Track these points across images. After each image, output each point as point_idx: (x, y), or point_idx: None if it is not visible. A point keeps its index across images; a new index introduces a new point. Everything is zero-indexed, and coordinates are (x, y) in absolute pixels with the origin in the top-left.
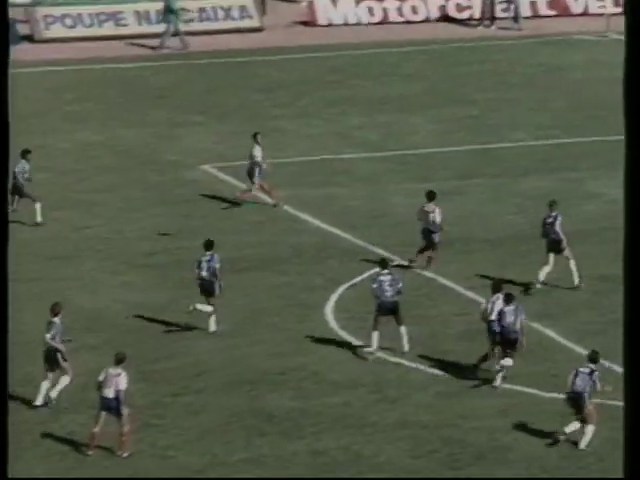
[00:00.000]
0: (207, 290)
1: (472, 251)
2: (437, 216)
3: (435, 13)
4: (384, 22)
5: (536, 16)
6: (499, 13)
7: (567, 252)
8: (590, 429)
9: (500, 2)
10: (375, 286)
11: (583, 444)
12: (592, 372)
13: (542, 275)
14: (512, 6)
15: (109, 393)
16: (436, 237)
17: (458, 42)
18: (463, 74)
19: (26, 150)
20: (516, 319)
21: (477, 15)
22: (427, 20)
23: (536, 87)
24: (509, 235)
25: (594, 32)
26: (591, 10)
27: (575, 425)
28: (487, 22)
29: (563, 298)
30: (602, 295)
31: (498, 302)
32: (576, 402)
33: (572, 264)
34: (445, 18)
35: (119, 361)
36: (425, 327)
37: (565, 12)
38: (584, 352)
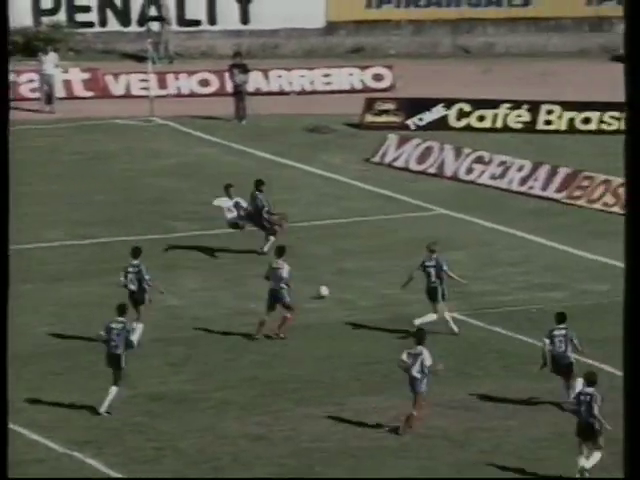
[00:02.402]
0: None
1: None
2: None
3: None
4: None
5: (72, 97)
6: (28, 93)
7: None
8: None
9: (30, 80)
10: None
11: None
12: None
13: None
14: (44, 86)
15: None
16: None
17: None
18: None
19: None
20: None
21: None
22: None
23: (76, 178)
24: (42, 351)
25: (138, 116)
26: (134, 92)
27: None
28: None
29: (105, 421)
30: (155, 416)
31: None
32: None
33: None
34: None
35: None
36: None
37: (104, 93)
38: None
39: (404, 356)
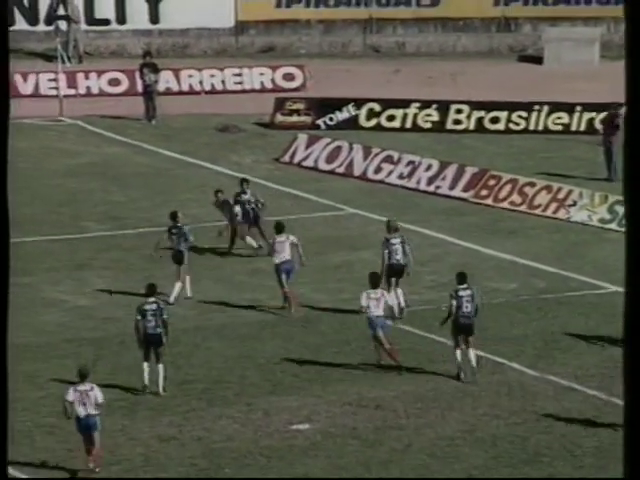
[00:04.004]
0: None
1: None
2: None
3: None
4: None
5: None
6: None
7: None
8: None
9: None
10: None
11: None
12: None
13: None
14: None
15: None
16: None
17: None
18: None
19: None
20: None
21: None
22: None
23: None
24: None
25: (47, 116)
26: (42, 91)
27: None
28: None
29: (14, 422)
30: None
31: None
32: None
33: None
34: None
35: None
36: None
37: (13, 93)
38: None
39: (363, 300)
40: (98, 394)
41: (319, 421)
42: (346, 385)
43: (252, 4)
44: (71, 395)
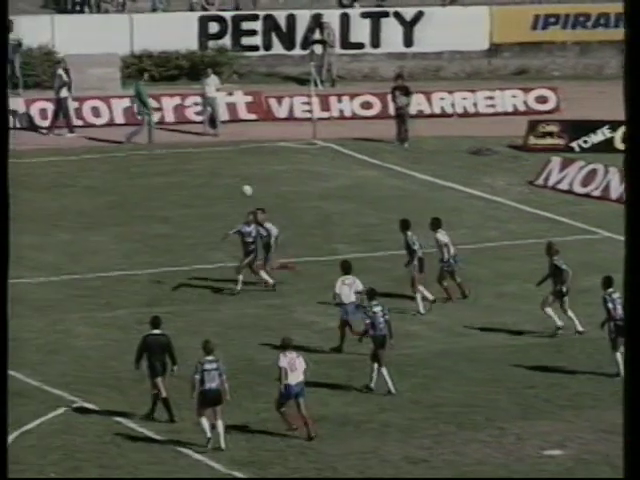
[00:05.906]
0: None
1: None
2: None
3: (120, 117)
4: (60, 125)
5: (236, 120)
6: (192, 116)
7: None
8: None
9: (195, 104)
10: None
11: None
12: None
13: None
14: (208, 109)
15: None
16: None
17: (144, 149)
18: (152, 186)
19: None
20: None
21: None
22: (110, 123)
23: (237, 200)
24: None
25: (300, 139)
26: (297, 114)
27: None
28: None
29: (267, 442)
30: (317, 438)
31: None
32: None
33: None
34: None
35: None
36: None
37: (267, 116)
38: None
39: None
40: (303, 361)
41: (572, 447)
42: (599, 411)
43: (508, 26)
44: (282, 361)
